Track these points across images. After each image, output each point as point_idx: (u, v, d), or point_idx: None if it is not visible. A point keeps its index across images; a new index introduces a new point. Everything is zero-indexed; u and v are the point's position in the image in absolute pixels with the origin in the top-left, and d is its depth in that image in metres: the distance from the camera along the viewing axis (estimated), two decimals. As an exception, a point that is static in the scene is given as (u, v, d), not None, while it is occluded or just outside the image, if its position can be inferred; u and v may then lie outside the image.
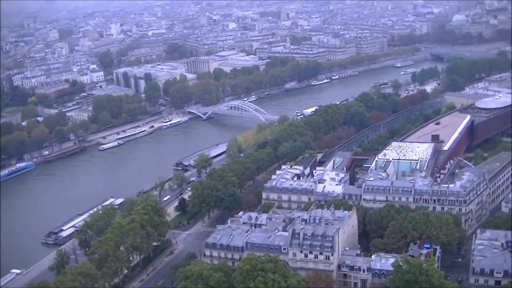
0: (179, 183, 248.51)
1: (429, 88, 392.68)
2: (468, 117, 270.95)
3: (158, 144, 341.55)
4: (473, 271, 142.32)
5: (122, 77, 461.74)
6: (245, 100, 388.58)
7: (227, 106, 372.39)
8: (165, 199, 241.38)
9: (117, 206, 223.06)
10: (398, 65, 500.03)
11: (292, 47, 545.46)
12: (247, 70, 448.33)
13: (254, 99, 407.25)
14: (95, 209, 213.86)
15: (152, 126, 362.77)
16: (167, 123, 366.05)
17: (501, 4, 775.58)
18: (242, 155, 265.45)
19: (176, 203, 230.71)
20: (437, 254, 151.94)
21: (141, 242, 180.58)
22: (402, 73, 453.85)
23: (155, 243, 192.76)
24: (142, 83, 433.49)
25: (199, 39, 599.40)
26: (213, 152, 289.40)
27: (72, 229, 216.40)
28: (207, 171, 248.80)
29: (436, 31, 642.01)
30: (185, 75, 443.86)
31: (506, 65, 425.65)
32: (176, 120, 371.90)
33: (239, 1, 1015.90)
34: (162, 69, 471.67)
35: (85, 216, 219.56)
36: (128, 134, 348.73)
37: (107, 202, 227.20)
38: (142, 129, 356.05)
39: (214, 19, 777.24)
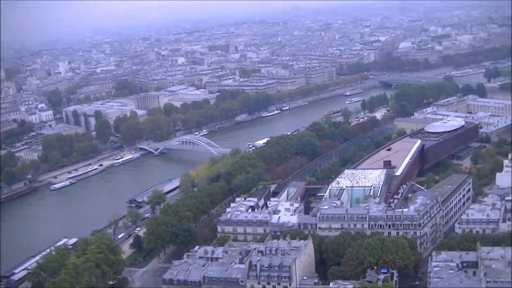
0: (133, 220, 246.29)
1: (379, 115, 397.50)
2: (418, 142, 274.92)
3: (110, 182, 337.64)
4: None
5: (72, 116, 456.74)
6: (197, 134, 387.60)
7: (179, 141, 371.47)
8: (119, 236, 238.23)
9: (70, 246, 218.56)
10: (348, 93, 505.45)
11: (241, 79, 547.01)
12: (197, 104, 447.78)
13: (206, 133, 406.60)
14: (48, 250, 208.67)
15: (101, 165, 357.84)
16: (119, 160, 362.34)
17: (445, 31, 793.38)
18: (195, 189, 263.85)
19: (131, 241, 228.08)
20: (395, 278, 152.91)
21: (96, 282, 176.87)
22: (347, 102, 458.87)
23: (111, 282, 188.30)
24: (92, 121, 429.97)
25: (148, 74, 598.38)
26: (166, 188, 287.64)
27: (24, 272, 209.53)
28: (161, 207, 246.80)
29: (383, 58, 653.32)
30: (135, 111, 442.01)
31: (453, 90, 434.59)
32: (128, 157, 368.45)
33: (188, 36, 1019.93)
34: (112, 106, 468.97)
35: (37, 258, 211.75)
36: (80, 173, 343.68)
37: (60, 243, 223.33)
38: (94, 167, 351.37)
39: (163, 54, 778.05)
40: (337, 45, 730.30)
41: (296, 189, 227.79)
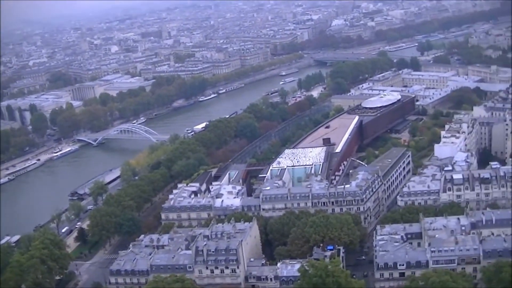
0: (76, 213, 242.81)
1: (315, 93, 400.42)
2: (356, 118, 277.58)
3: (50, 176, 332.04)
4: (377, 266, 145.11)
5: (6, 111, 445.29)
6: (134, 123, 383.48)
7: (117, 130, 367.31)
8: (63, 230, 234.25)
9: (14, 244, 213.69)
10: (283, 73, 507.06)
11: (176, 65, 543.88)
12: (133, 92, 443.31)
13: (143, 120, 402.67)
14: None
15: (39, 159, 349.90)
16: (58, 153, 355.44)
17: (376, 7, 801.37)
18: (137, 178, 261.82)
19: (75, 234, 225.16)
20: (341, 254, 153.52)
21: (43, 278, 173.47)
22: (281, 82, 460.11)
23: (57, 277, 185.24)
24: (27, 115, 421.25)
25: (82, 65, 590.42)
26: (108, 178, 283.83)
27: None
28: (103, 198, 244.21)
29: (317, 37, 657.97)
30: (71, 103, 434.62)
31: (387, 64, 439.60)
32: (66, 149, 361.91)
33: (119, 23, 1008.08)
34: (47, 98, 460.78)
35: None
36: (18, 169, 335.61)
37: (3, 241, 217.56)
38: (32, 162, 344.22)
39: (96, 44, 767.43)
40: (270, 26, 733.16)
41: (237, 172, 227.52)
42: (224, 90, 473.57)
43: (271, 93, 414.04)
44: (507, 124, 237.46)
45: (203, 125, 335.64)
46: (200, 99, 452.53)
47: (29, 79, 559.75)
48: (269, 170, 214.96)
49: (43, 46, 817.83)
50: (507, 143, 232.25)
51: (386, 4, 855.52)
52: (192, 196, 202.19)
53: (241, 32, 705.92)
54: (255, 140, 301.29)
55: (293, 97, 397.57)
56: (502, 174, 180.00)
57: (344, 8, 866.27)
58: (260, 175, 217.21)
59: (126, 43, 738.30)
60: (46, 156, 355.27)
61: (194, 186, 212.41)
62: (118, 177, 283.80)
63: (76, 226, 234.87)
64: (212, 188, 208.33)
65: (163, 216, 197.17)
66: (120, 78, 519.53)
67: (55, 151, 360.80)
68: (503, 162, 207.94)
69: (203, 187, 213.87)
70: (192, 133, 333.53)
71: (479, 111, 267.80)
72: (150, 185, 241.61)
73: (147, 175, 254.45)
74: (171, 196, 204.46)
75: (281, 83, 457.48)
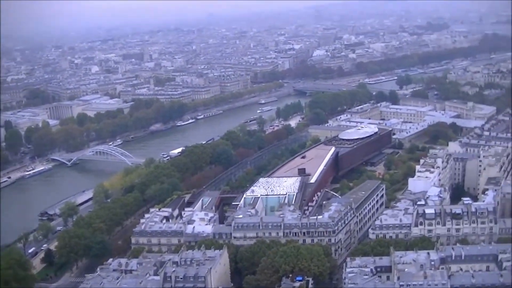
0: (44, 233, 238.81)
1: (293, 122, 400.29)
2: (332, 149, 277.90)
3: (21, 194, 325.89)
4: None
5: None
6: (111, 144, 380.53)
7: (92, 151, 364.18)
8: (30, 251, 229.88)
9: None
10: (262, 101, 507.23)
11: (156, 88, 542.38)
12: (111, 113, 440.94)
13: (120, 143, 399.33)
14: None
15: (10, 177, 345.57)
16: (30, 172, 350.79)
17: (358, 39, 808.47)
18: (109, 200, 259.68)
19: (42, 255, 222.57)
20: (310, 285, 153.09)
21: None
22: (258, 111, 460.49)
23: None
24: (2, 131, 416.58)
25: (61, 83, 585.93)
26: (80, 199, 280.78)
27: None
28: (74, 219, 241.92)
29: (298, 66, 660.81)
30: (47, 121, 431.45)
31: (366, 97, 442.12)
32: (39, 168, 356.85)
33: (101, 44, 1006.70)
34: (23, 115, 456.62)
35: None
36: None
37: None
38: (3, 180, 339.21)
39: (76, 63, 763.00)
40: (251, 53, 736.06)
41: (210, 199, 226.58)
42: (202, 116, 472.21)
43: (250, 121, 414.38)
44: (480, 161, 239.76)
45: (179, 150, 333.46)
46: (178, 124, 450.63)
47: (6, 95, 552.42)
48: (243, 198, 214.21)
49: (22, 63, 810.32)
50: (480, 179, 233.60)
51: (368, 36, 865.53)
52: (164, 221, 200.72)
53: (222, 59, 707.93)
54: (230, 167, 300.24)
55: (271, 126, 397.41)
56: (473, 210, 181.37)
57: (326, 39, 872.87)
58: (233, 203, 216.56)
59: (107, 64, 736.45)
60: (18, 174, 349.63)
61: (166, 211, 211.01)
62: (90, 198, 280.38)
63: (42, 247, 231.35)
64: (184, 214, 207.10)
65: (133, 240, 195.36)
66: (99, 98, 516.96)
67: (28, 170, 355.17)
68: (475, 198, 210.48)
69: (176, 212, 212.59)
70: (168, 157, 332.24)
71: (454, 147, 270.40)
72: (122, 208, 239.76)
73: (119, 198, 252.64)
74: (142, 220, 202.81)
75: (258, 111, 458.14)
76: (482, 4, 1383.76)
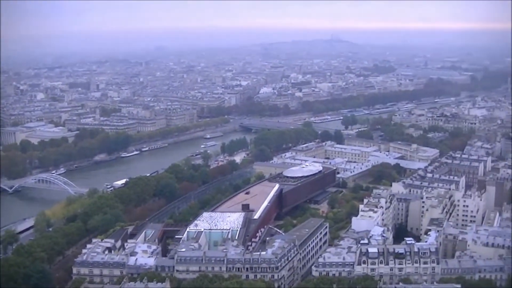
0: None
1: (238, 158, 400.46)
2: (277, 186, 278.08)
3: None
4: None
5: None
6: (54, 173, 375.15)
7: (35, 179, 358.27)
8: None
9: None
10: (208, 136, 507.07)
11: (102, 118, 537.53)
12: (55, 142, 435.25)
13: (63, 171, 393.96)
14: None
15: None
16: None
17: (305, 78, 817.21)
18: (51, 229, 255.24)
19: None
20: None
21: None
22: (202, 146, 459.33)
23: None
24: None
25: (5, 109, 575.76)
26: (20, 227, 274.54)
27: None
28: (14, 247, 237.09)
29: (244, 103, 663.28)
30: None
31: (312, 135, 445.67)
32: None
33: (48, 71, 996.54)
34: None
35: None
36: None
37: None
38: None
39: (22, 89, 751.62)
40: (199, 88, 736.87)
41: (154, 231, 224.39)
42: (147, 148, 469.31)
43: (195, 155, 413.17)
44: (423, 202, 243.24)
45: (123, 181, 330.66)
46: (123, 155, 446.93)
47: None
48: (186, 232, 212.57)
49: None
50: (423, 220, 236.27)
51: (315, 76, 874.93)
52: (106, 252, 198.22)
53: (169, 92, 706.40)
54: (174, 200, 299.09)
55: (216, 161, 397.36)
56: (416, 250, 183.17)
57: (273, 77, 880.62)
58: (176, 236, 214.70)
59: (53, 92, 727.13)
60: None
61: (109, 242, 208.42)
62: (31, 227, 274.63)
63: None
64: (127, 245, 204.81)
65: (74, 270, 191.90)
66: (43, 126, 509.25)
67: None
68: (417, 238, 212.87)
69: (118, 243, 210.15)
70: (112, 188, 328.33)
71: (397, 187, 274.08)
72: (64, 238, 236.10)
73: (61, 227, 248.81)
74: (84, 251, 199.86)
75: (202, 146, 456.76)
76: (428, 50, 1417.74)
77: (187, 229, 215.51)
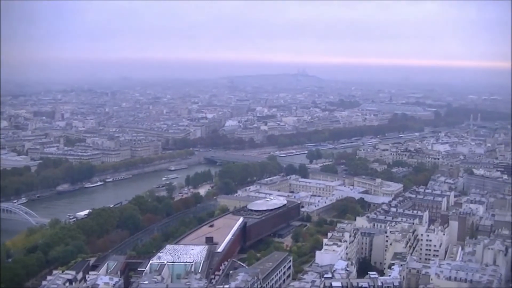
0: None
1: (202, 191, 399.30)
2: (241, 219, 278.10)
3: None
4: None
5: None
6: (15, 202, 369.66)
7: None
8: None
9: None
10: (172, 168, 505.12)
11: (66, 148, 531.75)
12: (17, 170, 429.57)
13: (25, 201, 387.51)
14: None
15: None
16: None
17: (271, 112, 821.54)
18: (10, 260, 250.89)
19: None
20: None
21: None
22: (163, 178, 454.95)
23: None
24: None
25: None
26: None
27: None
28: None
29: (210, 135, 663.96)
30: None
31: (276, 169, 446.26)
32: None
33: (12, 99, 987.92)
34: None
35: None
36: None
37: None
38: None
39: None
40: (164, 120, 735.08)
41: (116, 263, 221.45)
42: (111, 179, 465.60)
43: (160, 187, 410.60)
44: (387, 236, 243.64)
45: (86, 212, 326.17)
46: (86, 186, 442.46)
47: None
48: (149, 264, 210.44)
49: None
50: (386, 254, 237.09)
51: (280, 110, 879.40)
52: (67, 284, 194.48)
53: (134, 123, 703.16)
54: (137, 232, 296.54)
55: (180, 193, 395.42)
56: (379, 284, 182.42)
57: (239, 110, 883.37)
58: (139, 269, 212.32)
59: (17, 120, 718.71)
60: None
61: (69, 274, 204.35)
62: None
63: None
64: (88, 277, 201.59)
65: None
66: (6, 154, 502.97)
67: None
68: (381, 273, 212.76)
69: (79, 275, 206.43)
70: (74, 219, 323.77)
71: (361, 222, 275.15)
72: (24, 269, 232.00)
73: (21, 258, 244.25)
74: (44, 283, 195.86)
75: (163, 179, 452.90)
76: (393, 85, 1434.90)
77: (150, 262, 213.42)
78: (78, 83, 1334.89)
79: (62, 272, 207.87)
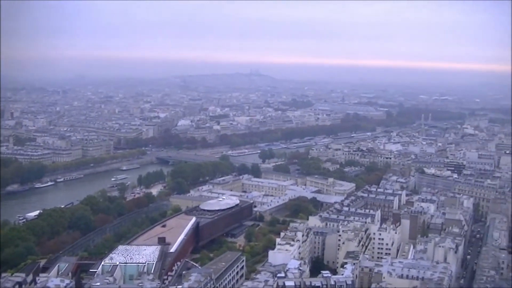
0: None
1: (155, 191, 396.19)
2: (193, 219, 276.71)
3: None
4: None
5: None
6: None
7: None
8: None
9: None
10: (124, 168, 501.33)
11: (15, 147, 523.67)
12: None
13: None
14: None
15: None
16: None
17: (223, 111, 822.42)
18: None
19: None
20: None
21: None
22: (112, 179, 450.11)
23: None
24: None
25: None
26: None
27: None
28: None
29: (162, 135, 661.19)
30: None
31: (229, 169, 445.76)
32: None
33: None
34: None
35: None
36: None
37: None
38: None
39: None
40: (116, 119, 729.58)
41: (67, 265, 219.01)
42: (62, 179, 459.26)
43: (112, 187, 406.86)
44: (340, 235, 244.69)
45: (36, 212, 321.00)
46: (37, 186, 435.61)
47: None
48: (101, 265, 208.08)
49: None
50: (339, 253, 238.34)
51: (233, 109, 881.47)
52: (17, 287, 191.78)
53: (86, 122, 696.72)
54: (89, 233, 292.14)
55: (132, 193, 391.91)
56: (332, 283, 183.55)
57: (191, 109, 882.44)
58: (91, 270, 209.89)
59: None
60: None
61: (19, 277, 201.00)
62: None
63: None
64: (39, 280, 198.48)
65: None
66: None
67: None
68: (334, 272, 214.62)
69: (29, 278, 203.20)
70: (24, 220, 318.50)
71: (314, 221, 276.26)
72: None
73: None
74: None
75: (112, 179, 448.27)
76: (346, 85, 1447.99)
77: (102, 263, 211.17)
78: (29, 81, 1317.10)
79: (12, 274, 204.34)
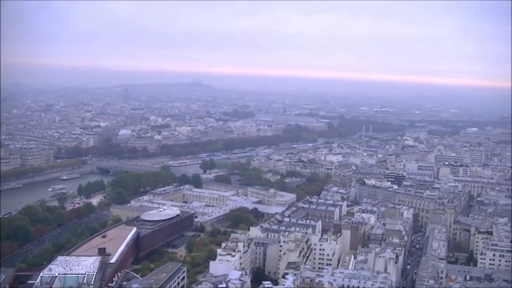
0: None
1: (95, 201, 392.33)
2: (134, 230, 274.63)
3: None
4: None
5: None
6: None
7: None
8: None
9: None
10: (64, 177, 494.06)
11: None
12: None
13: None
14: None
15: None
16: None
17: (165, 121, 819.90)
18: None
19: None
20: None
21: None
22: (49, 189, 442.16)
23: None
24: None
25: None
26: None
27: None
28: None
29: (103, 144, 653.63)
30: None
31: (170, 179, 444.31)
32: None
33: None
34: None
35: None
36: None
37: None
38: None
39: None
40: (56, 128, 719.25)
41: (4, 276, 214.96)
42: (0, 188, 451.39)
43: (52, 196, 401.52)
44: (281, 246, 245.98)
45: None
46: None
47: None
48: (40, 277, 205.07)
49: None
50: (280, 263, 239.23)
51: (175, 119, 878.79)
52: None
53: (25, 130, 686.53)
54: (27, 243, 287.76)
55: (72, 203, 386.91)
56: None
57: (133, 119, 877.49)
58: (29, 281, 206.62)
59: None
60: None
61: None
62: None
63: None
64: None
65: None
66: None
67: None
68: (275, 282, 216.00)
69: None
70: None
71: (255, 232, 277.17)
72: None
73: None
74: None
75: (49, 189, 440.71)
76: (287, 96, 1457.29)
77: (41, 274, 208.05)
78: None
79: None
